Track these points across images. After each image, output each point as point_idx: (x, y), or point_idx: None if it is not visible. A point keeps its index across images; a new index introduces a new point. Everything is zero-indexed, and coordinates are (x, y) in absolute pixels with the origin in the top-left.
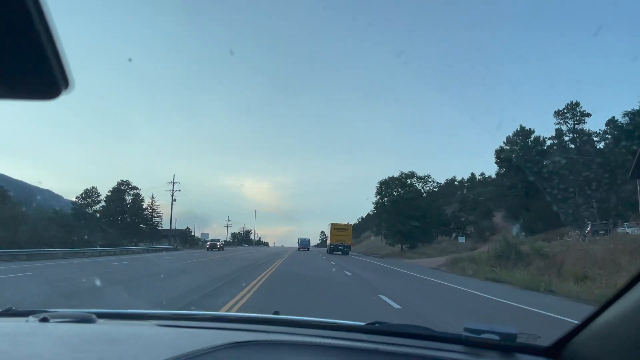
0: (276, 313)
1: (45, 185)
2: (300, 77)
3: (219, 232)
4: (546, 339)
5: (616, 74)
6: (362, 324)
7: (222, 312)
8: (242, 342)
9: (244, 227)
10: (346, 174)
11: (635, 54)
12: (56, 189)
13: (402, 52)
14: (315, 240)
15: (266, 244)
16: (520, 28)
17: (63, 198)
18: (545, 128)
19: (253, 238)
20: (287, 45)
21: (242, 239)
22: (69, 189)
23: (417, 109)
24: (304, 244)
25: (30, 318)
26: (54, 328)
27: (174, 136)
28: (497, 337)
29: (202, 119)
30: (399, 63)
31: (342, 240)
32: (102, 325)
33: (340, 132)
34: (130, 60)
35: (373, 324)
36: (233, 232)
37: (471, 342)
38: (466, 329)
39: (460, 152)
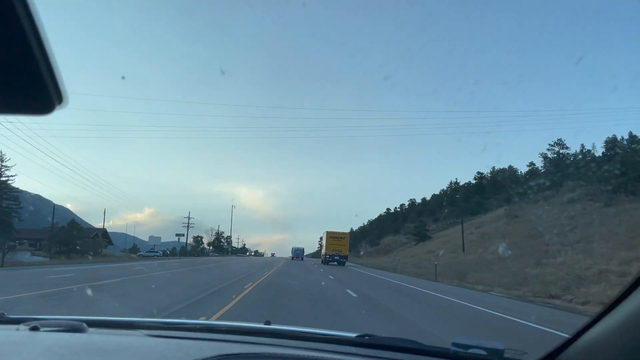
0: (267, 323)
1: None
2: (296, 90)
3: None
4: (533, 355)
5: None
6: (353, 335)
7: (212, 322)
8: (230, 354)
9: (216, 230)
10: (340, 184)
11: (615, 84)
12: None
13: (389, 76)
14: (311, 249)
15: (255, 254)
16: (503, 54)
17: None
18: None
19: (226, 245)
20: (284, 63)
21: (217, 244)
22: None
23: (405, 127)
24: (298, 254)
25: (21, 326)
26: (44, 337)
27: (168, 146)
28: (484, 353)
29: (197, 128)
30: (386, 86)
31: (339, 250)
32: (92, 335)
33: (334, 144)
34: (123, 78)
35: (363, 336)
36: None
37: (459, 357)
38: (454, 344)
39: (446, 170)
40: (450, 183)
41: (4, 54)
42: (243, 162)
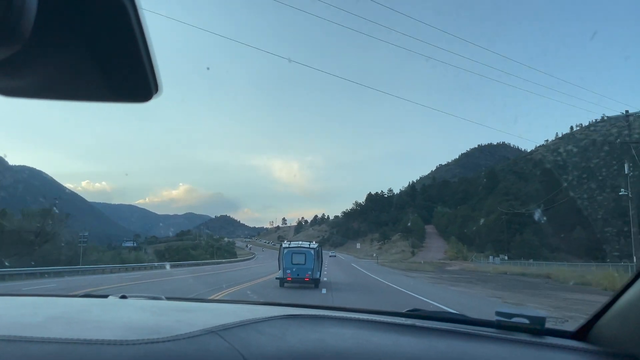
0: None
1: None
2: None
3: (251, 217)
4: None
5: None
6: (403, 311)
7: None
8: (295, 314)
9: None
10: (375, 154)
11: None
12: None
13: (430, 57)
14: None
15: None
16: (527, 33)
17: None
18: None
19: None
20: (331, 45)
21: None
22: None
23: (444, 103)
24: (300, 271)
25: (110, 297)
26: (133, 302)
27: (201, 119)
28: (526, 321)
29: (233, 103)
30: (427, 67)
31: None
32: (171, 302)
33: (377, 122)
34: (208, 69)
35: (413, 310)
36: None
37: (503, 325)
38: (498, 313)
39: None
40: None
41: (116, 51)
42: (277, 134)
